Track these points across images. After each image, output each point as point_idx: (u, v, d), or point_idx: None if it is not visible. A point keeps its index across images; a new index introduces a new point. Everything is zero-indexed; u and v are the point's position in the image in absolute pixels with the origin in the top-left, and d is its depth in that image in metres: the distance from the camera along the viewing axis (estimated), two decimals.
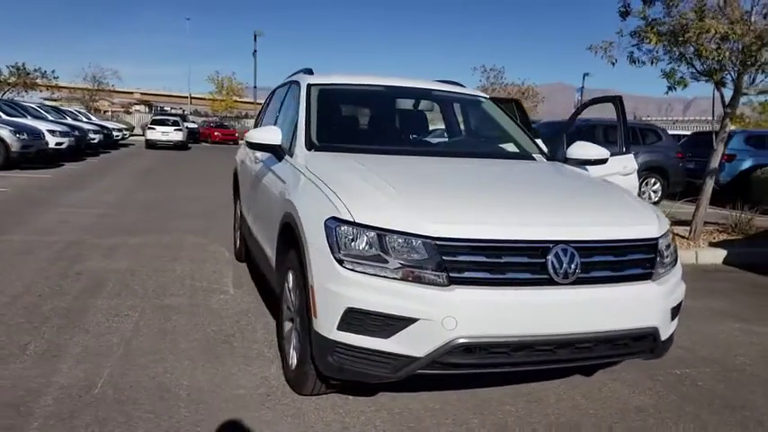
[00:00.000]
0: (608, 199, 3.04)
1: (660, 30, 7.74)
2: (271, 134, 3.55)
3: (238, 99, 49.95)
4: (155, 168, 16.53)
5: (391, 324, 2.38)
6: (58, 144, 15.30)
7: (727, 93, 7.76)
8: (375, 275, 2.41)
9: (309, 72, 4.27)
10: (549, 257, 2.45)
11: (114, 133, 25.83)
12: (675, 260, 2.90)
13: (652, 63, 7.39)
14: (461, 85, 4.65)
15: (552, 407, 3.05)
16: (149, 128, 28.14)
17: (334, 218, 2.55)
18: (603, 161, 3.89)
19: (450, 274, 2.37)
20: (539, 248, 2.47)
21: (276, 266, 3.42)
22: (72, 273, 5.08)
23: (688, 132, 20.48)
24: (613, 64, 7.52)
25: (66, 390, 2.96)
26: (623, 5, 8.53)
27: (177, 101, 73.69)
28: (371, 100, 4.27)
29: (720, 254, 7.12)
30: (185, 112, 48.69)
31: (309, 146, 3.42)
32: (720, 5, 7.02)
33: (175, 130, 27.92)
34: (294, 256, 2.98)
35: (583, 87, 44.60)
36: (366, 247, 2.45)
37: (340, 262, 2.47)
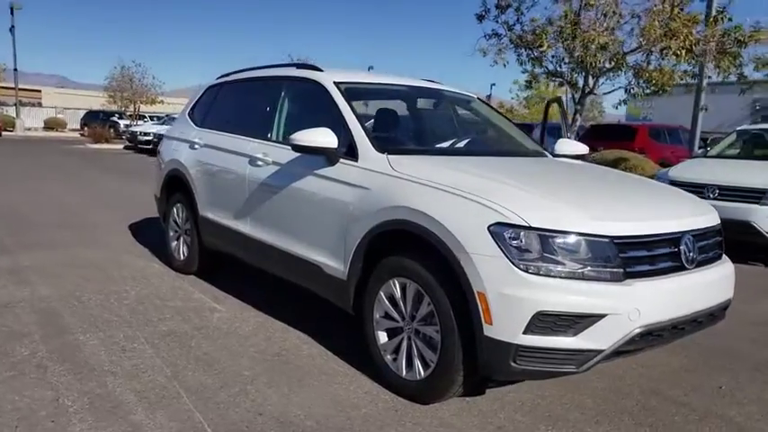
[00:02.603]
0: (679, 194, 3.48)
1: (514, 36, 8.72)
2: (325, 137, 3.34)
3: None
4: None
5: (579, 322, 2.50)
6: None
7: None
8: (556, 276, 2.51)
9: (315, 68, 4.04)
10: (681, 247, 2.80)
11: None
12: None
13: (541, 64, 8.28)
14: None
15: (627, 378, 3.42)
16: None
17: (499, 223, 2.57)
18: (584, 156, 4.39)
19: (626, 270, 2.58)
20: (674, 239, 2.80)
21: (350, 275, 3.26)
22: None
23: None
24: (505, 65, 8.26)
25: None
26: (483, 10, 9.39)
27: None
28: (399, 100, 4.19)
29: None
30: None
31: (381, 149, 3.30)
32: (584, 20, 8.10)
33: None
34: (410, 264, 2.91)
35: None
36: (543, 250, 2.52)
37: (519, 267, 2.52)
